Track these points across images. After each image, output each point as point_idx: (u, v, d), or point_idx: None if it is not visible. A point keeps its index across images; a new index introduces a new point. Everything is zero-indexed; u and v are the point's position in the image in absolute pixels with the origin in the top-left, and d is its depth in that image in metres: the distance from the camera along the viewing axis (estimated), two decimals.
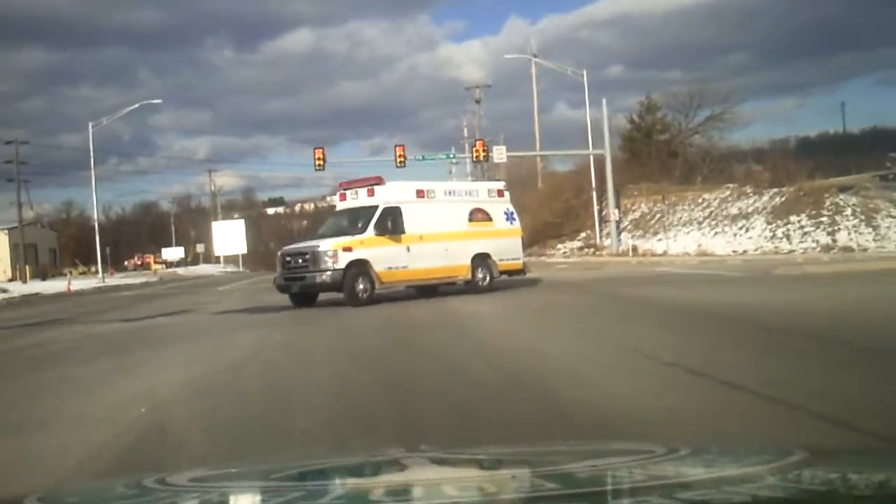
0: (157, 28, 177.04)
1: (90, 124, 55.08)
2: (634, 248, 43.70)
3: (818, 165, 43.12)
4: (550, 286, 23.43)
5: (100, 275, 57.24)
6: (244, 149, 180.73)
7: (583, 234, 51.04)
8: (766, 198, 40.29)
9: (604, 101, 47.94)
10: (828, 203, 36.36)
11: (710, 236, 41.05)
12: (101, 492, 2.53)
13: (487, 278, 22.11)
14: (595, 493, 1.90)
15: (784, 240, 36.47)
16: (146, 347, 13.52)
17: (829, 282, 19.01)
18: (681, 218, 44.29)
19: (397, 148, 45.61)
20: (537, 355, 9.93)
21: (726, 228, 40.57)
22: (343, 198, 22.44)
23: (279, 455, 5.75)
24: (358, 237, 19.97)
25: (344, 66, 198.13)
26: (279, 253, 21.87)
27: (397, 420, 6.58)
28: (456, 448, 3.64)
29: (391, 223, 20.39)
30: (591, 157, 48.39)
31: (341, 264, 19.27)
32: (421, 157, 51.76)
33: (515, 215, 24.13)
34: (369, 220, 20.27)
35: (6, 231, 72.77)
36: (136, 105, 58.45)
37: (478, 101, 75.22)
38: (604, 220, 47.52)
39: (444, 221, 21.36)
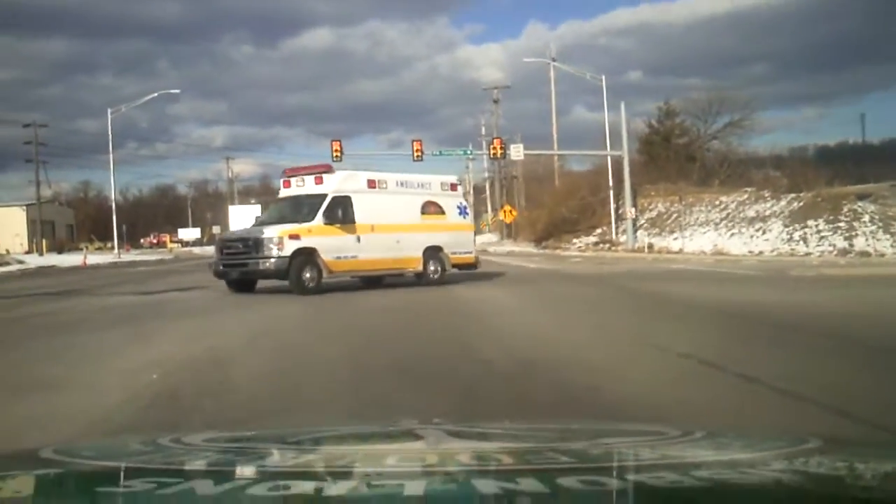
0: (178, 22, 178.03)
1: (109, 111, 55.44)
2: (650, 246, 43.55)
3: (836, 173, 42.69)
4: (563, 278, 23.39)
5: (116, 250, 57.57)
6: (262, 138, 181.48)
7: (598, 230, 50.92)
8: (783, 202, 40.07)
9: (622, 104, 47.93)
10: (845, 209, 36.12)
11: (727, 237, 40.85)
12: (116, 447, 2.53)
13: (439, 271, 21.92)
14: (610, 467, 1.88)
15: (801, 243, 36.26)
16: (159, 319, 13.59)
17: (844, 284, 18.91)
18: (697, 218, 44.11)
19: (414, 143, 45.60)
20: (551, 343, 9.93)
21: (743, 230, 40.36)
22: (287, 185, 21.68)
23: (292, 421, 5.78)
24: (305, 225, 19.50)
25: (363, 64, 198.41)
26: (217, 239, 21.74)
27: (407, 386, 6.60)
28: (469, 422, 3.64)
29: (341, 212, 19.95)
30: (609, 157, 48.34)
31: (287, 252, 18.89)
32: (438, 153, 51.78)
33: (468, 210, 24.10)
34: (317, 209, 19.80)
35: (24, 207, 73.49)
36: (155, 94, 58.80)
37: (496, 101, 75.35)
38: (620, 217, 47.40)
39: (396, 213, 21.05)
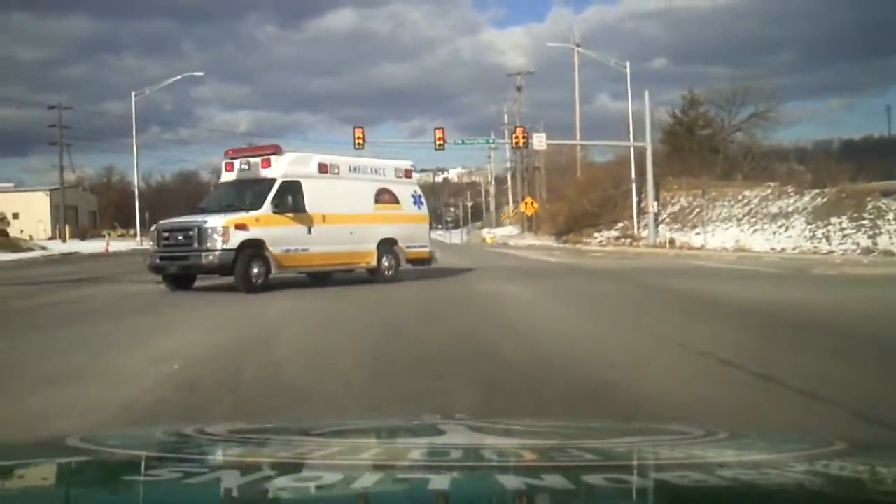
0: (202, 2, 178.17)
1: (133, 93, 55.68)
2: (672, 241, 43.38)
3: (861, 168, 42.39)
4: (584, 274, 23.34)
5: (138, 237, 57.87)
6: (284, 124, 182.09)
7: (620, 225, 50.76)
8: (807, 198, 39.80)
9: (646, 93, 47.56)
10: (870, 206, 35.82)
11: (749, 233, 40.64)
12: (142, 437, 2.55)
13: (394, 267, 20.41)
14: (634, 465, 1.89)
15: (823, 241, 36.01)
16: (180, 309, 13.68)
17: (867, 284, 18.79)
18: (720, 213, 43.89)
19: (437, 130, 45.55)
20: (570, 339, 9.92)
21: (765, 226, 40.15)
22: (230, 167, 19.41)
23: (313, 413, 5.81)
24: (253, 213, 17.61)
25: (386, 46, 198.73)
26: (153, 228, 19.44)
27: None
28: (490, 418, 3.65)
29: (291, 199, 18.17)
30: (632, 149, 48.13)
31: (233, 244, 16.96)
32: (460, 141, 51.80)
33: (423, 199, 22.33)
34: (265, 195, 17.91)
35: (48, 192, 73.95)
36: (179, 77, 58.98)
37: (519, 89, 75.15)
38: (642, 212, 47.22)
39: (350, 201, 19.28)
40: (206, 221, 17.47)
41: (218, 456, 1.99)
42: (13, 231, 55.89)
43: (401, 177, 21.46)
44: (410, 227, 21.06)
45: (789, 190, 42.15)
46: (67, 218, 67.91)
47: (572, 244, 50.00)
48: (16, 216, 65.84)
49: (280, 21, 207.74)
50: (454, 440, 2.07)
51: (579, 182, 57.82)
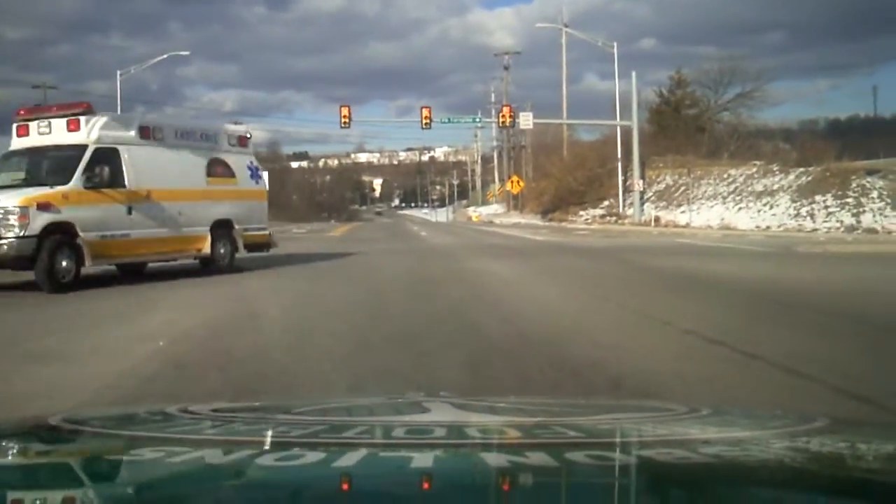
0: None
1: (118, 72, 55.14)
2: (657, 219, 43.53)
3: (846, 147, 42.62)
4: (569, 252, 23.36)
5: None
6: (271, 103, 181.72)
7: (606, 203, 50.92)
8: (791, 176, 39.98)
9: (633, 73, 47.84)
10: (854, 185, 36.01)
11: (734, 211, 40.83)
12: (125, 416, 2.55)
13: (229, 254, 17.13)
14: (617, 443, 1.89)
15: (808, 218, 36.20)
16: (161, 288, 13.65)
17: (850, 261, 18.87)
18: (705, 192, 44.05)
19: (423, 109, 45.56)
20: (555, 318, 9.95)
21: (750, 204, 40.34)
22: (24, 131, 15.28)
23: (298, 393, 5.82)
24: (59, 189, 13.79)
25: (374, 26, 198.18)
26: None
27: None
28: (475, 396, 3.66)
29: (107, 172, 14.31)
30: (618, 128, 48.23)
31: (34, 229, 13.19)
32: (447, 120, 51.79)
33: (261, 171, 18.91)
34: (74, 166, 14.13)
35: None
36: (165, 56, 58.33)
37: (506, 68, 75.20)
38: (628, 190, 47.39)
39: (178, 174, 15.87)
40: None
41: (201, 435, 1.98)
42: None
43: (234, 145, 18.01)
44: (248, 205, 17.80)
45: (774, 168, 42.34)
46: None
47: (558, 222, 50.14)
48: None
49: (268, 1, 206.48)
50: (438, 418, 2.07)
51: (565, 161, 57.94)
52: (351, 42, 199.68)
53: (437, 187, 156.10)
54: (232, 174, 17.42)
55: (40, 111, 16.12)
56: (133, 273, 15.79)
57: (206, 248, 16.40)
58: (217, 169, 17.04)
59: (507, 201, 73.30)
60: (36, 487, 1.52)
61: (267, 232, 18.52)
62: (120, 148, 14.80)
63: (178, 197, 15.69)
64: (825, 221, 35.26)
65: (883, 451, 1.81)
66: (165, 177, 15.41)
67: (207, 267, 16.44)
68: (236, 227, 17.11)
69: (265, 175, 18.91)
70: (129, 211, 14.74)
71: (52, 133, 14.82)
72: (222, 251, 16.85)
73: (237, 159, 17.77)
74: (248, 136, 18.94)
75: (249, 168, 18.11)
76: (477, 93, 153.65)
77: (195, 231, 16.15)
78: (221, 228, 16.78)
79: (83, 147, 14.36)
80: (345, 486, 1.48)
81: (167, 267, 16.52)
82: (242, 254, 17.42)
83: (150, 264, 16.25)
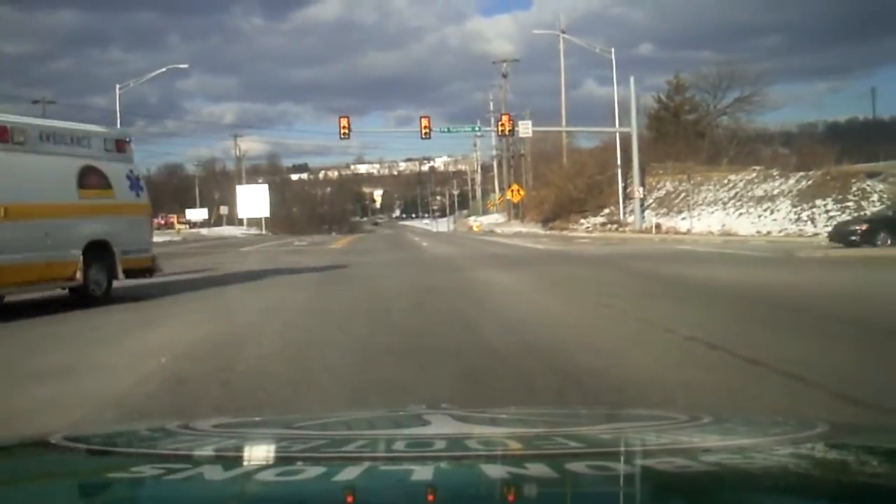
0: None
1: (117, 86, 55.22)
2: (658, 226, 43.54)
3: (846, 151, 42.64)
4: (570, 260, 23.34)
5: None
6: (270, 115, 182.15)
7: (606, 210, 50.93)
8: (792, 181, 39.99)
9: (632, 79, 47.82)
10: (854, 188, 36.03)
11: (735, 216, 40.83)
12: (125, 433, 2.55)
13: (104, 282, 14.19)
14: (618, 452, 1.89)
15: (809, 223, 36.20)
16: (168, 304, 13.64)
17: (852, 265, 18.87)
18: (705, 198, 44.07)
19: (422, 119, 45.57)
20: (558, 326, 9.94)
21: (751, 210, 40.34)
22: None
23: (299, 407, 5.81)
24: None
25: (372, 36, 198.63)
26: None
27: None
28: (476, 407, 3.65)
29: None
30: (618, 135, 48.26)
31: None
32: (446, 129, 51.87)
33: (143, 183, 15.77)
34: None
35: None
36: (164, 69, 58.46)
37: (505, 76, 75.25)
38: (628, 197, 47.39)
39: (43, 186, 13.00)
40: None
41: (201, 451, 1.98)
42: None
43: (111, 150, 14.86)
44: (127, 222, 14.75)
45: (774, 173, 42.33)
46: None
47: (559, 231, 50.14)
48: None
49: (266, 11, 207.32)
50: (439, 430, 2.07)
51: (565, 168, 57.99)
52: (349, 52, 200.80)
53: (438, 197, 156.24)
54: (108, 185, 14.41)
55: None
56: None
57: (78, 276, 13.35)
58: (91, 179, 14.07)
59: (508, 210, 73.29)
60: None
61: (150, 254, 15.52)
62: None
63: (43, 213, 12.80)
64: (826, 226, 35.22)
65: (885, 457, 1.80)
66: (28, 189, 12.59)
67: (81, 298, 13.55)
68: (114, 248, 14.25)
69: (144, 186, 15.75)
70: None
71: None
72: (97, 278, 13.93)
73: (114, 168, 14.67)
74: (128, 139, 15.83)
75: (129, 178, 15.07)
76: (476, 101, 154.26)
77: (64, 255, 13.17)
78: (97, 251, 13.88)
79: None
80: (349, 500, 1.48)
81: (30, 299, 13.95)
82: (121, 280, 14.64)
83: (8, 297, 13.31)
